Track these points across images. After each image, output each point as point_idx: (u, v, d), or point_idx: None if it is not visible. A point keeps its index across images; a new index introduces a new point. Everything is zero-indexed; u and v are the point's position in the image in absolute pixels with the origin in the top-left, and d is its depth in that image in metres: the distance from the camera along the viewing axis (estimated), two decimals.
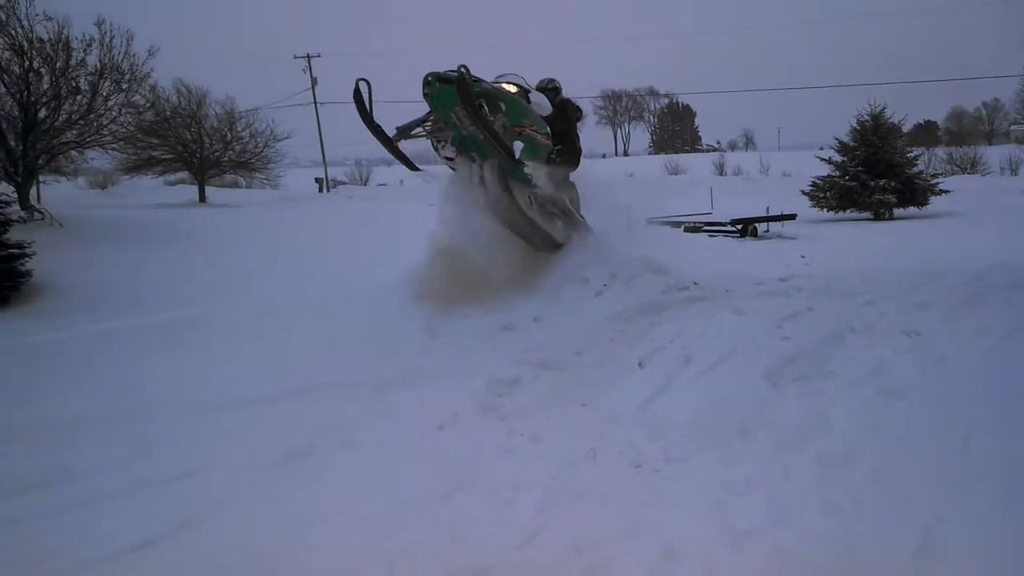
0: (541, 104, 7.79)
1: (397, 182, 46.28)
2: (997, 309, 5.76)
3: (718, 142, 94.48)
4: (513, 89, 7.51)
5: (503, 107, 7.26)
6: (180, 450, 4.58)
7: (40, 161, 16.71)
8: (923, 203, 24.15)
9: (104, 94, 17.12)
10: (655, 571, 3.09)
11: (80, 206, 20.86)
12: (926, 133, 67.44)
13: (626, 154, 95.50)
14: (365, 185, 51.92)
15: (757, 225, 19.11)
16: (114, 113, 17.82)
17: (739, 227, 18.77)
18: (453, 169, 7.77)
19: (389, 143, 7.48)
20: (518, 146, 7.12)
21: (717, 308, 6.43)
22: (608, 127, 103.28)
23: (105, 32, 16.86)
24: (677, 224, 17.91)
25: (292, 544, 3.47)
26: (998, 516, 3.22)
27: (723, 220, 19.48)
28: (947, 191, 24.83)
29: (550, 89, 8.35)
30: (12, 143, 15.45)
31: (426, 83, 6.95)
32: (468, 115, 6.74)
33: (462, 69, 6.63)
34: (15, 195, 14.57)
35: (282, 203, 25.26)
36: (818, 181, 24.98)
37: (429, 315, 7.10)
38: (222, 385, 5.73)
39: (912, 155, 25.49)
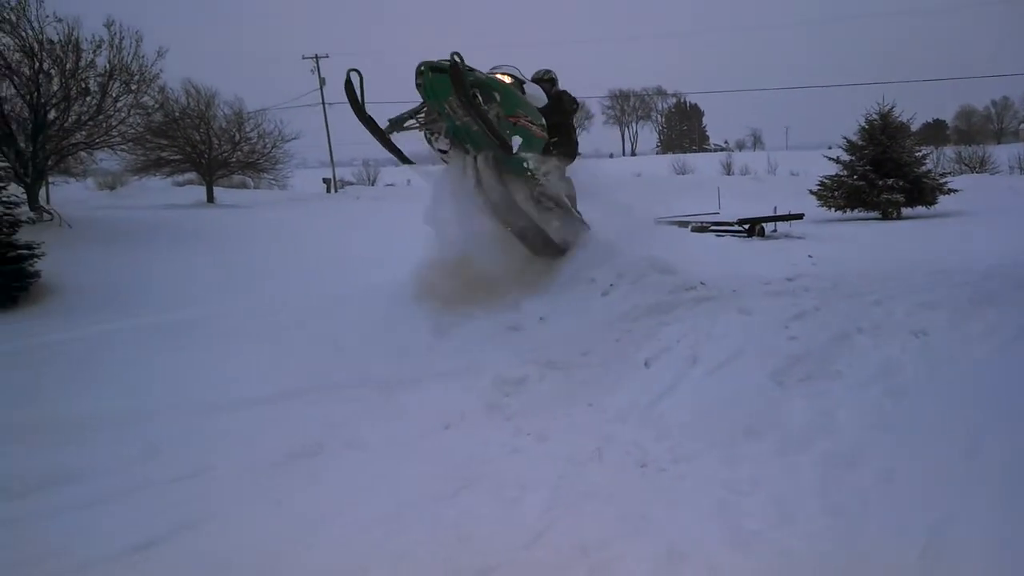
0: (536, 95, 7.68)
1: (404, 182, 46.28)
2: (1005, 309, 5.72)
3: (725, 142, 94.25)
4: (508, 79, 7.38)
5: (497, 97, 7.14)
6: (184, 450, 4.60)
7: (49, 162, 16.79)
8: (931, 202, 24.02)
9: (113, 95, 17.19)
10: (660, 571, 3.09)
11: (89, 207, 20.96)
12: (935, 132, 67.15)
13: (634, 154, 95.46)
14: (373, 185, 51.92)
15: (764, 225, 19.04)
16: (123, 114, 17.89)
17: (746, 227, 18.70)
18: (446, 162, 7.64)
19: (381, 135, 7.38)
20: (516, 141, 7.05)
21: (724, 308, 6.40)
22: (616, 127, 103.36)
23: (115, 33, 16.94)
24: (684, 224, 17.83)
25: (296, 544, 3.47)
26: (1005, 517, 3.20)
27: (730, 220, 19.40)
28: (955, 190, 24.67)
29: (546, 80, 8.25)
30: (22, 144, 15.52)
31: (419, 73, 6.83)
32: (461, 104, 6.63)
33: (455, 57, 6.52)
34: (24, 196, 14.62)
35: (290, 203, 25.30)
36: (826, 180, 24.85)
37: (434, 315, 7.09)
38: (227, 385, 5.75)
39: (920, 154, 25.35)
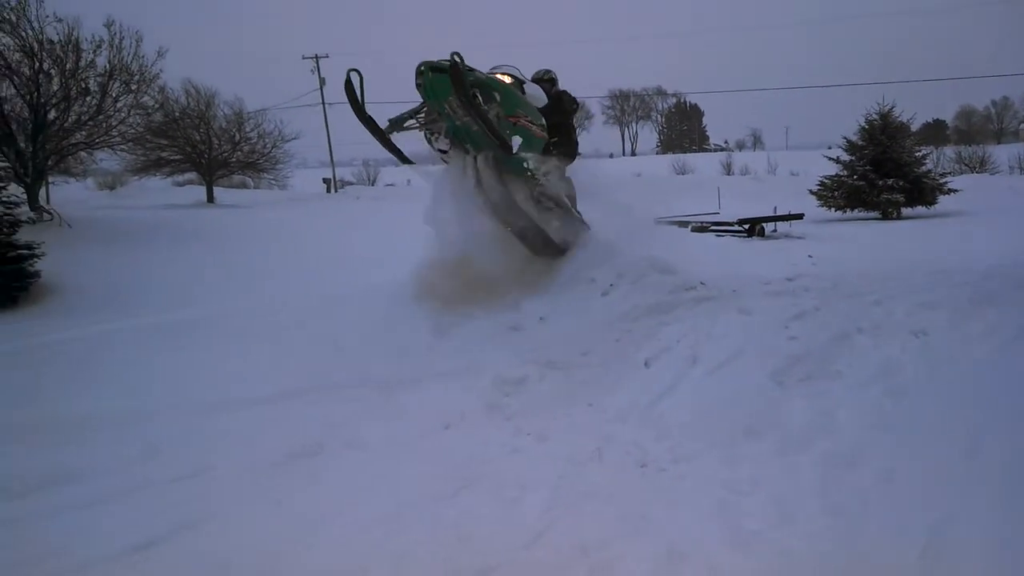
0: (536, 95, 7.67)
1: (404, 182, 46.27)
2: (1006, 309, 5.72)
3: (725, 141, 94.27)
4: (508, 79, 7.37)
5: (497, 97, 7.13)
6: (184, 450, 4.59)
7: (49, 162, 16.80)
8: (931, 202, 24.02)
9: (113, 95, 17.20)
10: (660, 571, 3.09)
11: (89, 207, 20.96)
12: (935, 132, 67.18)
13: (633, 154, 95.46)
14: (373, 185, 51.93)
15: (764, 225, 19.04)
16: (123, 114, 17.90)
17: (746, 227, 18.70)
18: (446, 162, 7.63)
19: (381, 135, 7.37)
20: (516, 141, 7.04)
21: (724, 308, 6.40)
22: (616, 127, 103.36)
23: (115, 33, 16.95)
24: (684, 224, 17.83)
25: (296, 544, 3.47)
26: (1005, 517, 3.20)
27: (730, 220, 19.41)
28: (956, 190, 24.67)
29: (546, 80, 8.24)
30: (22, 144, 15.52)
31: (419, 73, 6.81)
32: (461, 104, 6.62)
33: (455, 57, 6.50)
34: (24, 196, 14.63)
35: (290, 204, 25.31)
36: (826, 180, 24.85)
37: (434, 315, 7.09)
38: (227, 385, 5.75)
39: (920, 154, 25.36)
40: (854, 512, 3.38)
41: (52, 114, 15.89)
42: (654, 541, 3.27)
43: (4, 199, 10.54)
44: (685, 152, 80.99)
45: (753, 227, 18.71)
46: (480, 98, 6.81)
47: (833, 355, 5.22)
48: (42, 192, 17.30)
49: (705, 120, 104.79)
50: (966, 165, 46.81)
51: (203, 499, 3.96)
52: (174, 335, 7.38)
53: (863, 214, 23.72)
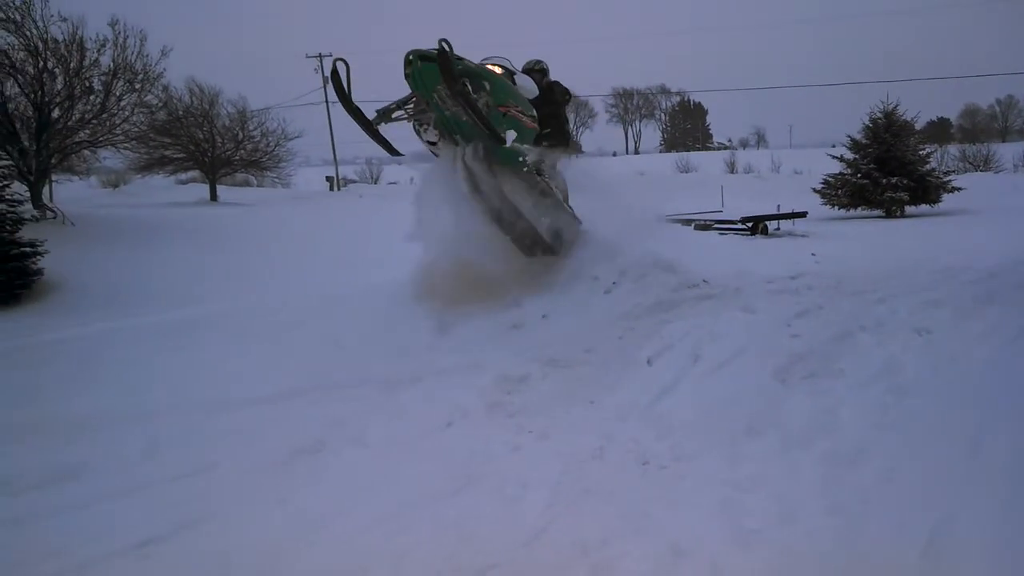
0: (527, 86, 7.54)
1: (407, 180, 46.29)
2: (1008, 308, 5.71)
3: (729, 140, 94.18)
4: (498, 70, 7.21)
5: (487, 86, 6.94)
6: (185, 449, 4.59)
7: (53, 160, 16.85)
8: (935, 201, 24.00)
9: (117, 94, 17.28)
10: (661, 569, 3.08)
11: (92, 205, 21.00)
12: (939, 130, 67.06)
13: (637, 152, 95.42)
14: (376, 183, 52.00)
15: (768, 223, 19.03)
16: (127, 113, 18.02)
17: (750, 225, 18.70)
18: (435, 154, 7.49)
19: (368, 126, 7.21)
20: (511, 135, 6.94)
21: (727, 306, 6.39)
22: (619, 125, 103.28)
23: (119, 32, 17.03)
24: (688, 222, 17.83)
25: (297, 543, 3.46)
26: (1006, 516, 3.19)
27: (734, 218, 19.41)
28: (959, 189, 24.65)
29: (536, 71, 8.14)
30: (26, 143, 15.57)
31: (407, 62, 6.64)
32: (450, 92, 6.45)
33: (443, 44, 6.28)
34: (28, 194, 14.67)
35: (292, 202, 25.35)
36: (829, 179, 24.86)
37: (437, 313, 7.07)
38: (228, 384, 5.74)
39: (924, 153, 25.33)
40: (855, 511, 3.36)
41: (56, 113, 15.94)
42: (655, 539, 3.26)
43: (7, 197, 10.58)
44: (689, 150, 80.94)
45: (756, 225, 18.71)
46: (469, 87, 6.61)
47: (836, 353, 5.20)
48: (45, 190, 17.34)
49: (709, 118, 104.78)
50: (970, 163, 46.71)
51: (204, 498, 3.96)
52: (175, 334, 7.38)
53: (867, 212, 23.72)
